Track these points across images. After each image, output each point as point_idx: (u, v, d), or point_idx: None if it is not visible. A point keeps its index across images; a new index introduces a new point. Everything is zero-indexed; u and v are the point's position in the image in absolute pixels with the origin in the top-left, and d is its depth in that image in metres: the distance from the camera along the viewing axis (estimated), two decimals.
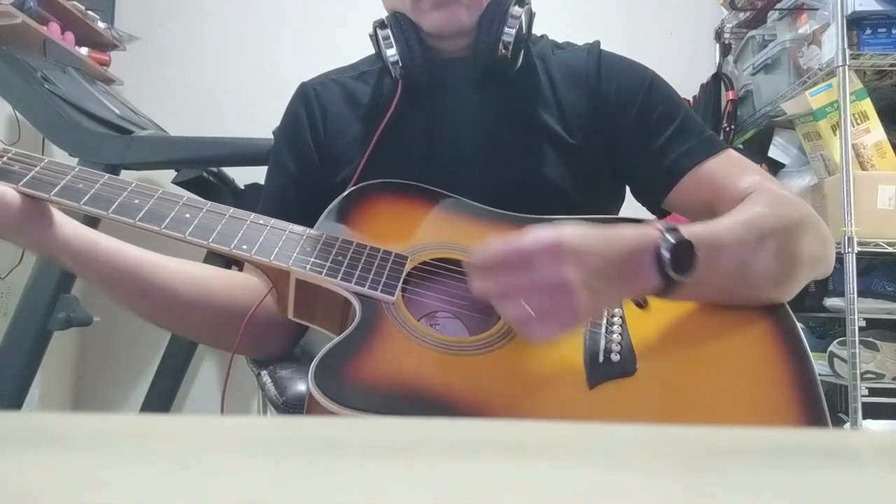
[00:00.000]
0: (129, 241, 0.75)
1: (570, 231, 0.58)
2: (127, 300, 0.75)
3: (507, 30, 0.81)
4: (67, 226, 0.70)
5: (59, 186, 0.66)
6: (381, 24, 0.86)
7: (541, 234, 0.56)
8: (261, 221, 0.71)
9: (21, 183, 0.65)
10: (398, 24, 0.84)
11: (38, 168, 0.67)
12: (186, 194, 0.71)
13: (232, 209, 0.71)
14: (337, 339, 0.64)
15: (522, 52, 0.84)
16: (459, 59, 0.86)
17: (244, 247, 0.68)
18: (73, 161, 1.51)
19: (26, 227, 0.67)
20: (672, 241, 0.61)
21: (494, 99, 0.86)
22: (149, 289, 0.73)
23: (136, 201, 0.67)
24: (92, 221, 0.74)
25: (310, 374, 0.59)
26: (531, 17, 0.85)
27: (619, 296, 0.63)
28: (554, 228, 0.57)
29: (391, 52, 0.83)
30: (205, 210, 0.69)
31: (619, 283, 0.60)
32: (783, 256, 0.70)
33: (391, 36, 0.84)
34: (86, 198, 0.66)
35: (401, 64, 0.83)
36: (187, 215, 0.68)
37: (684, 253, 0.61)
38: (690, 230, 0.63)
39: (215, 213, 0.70)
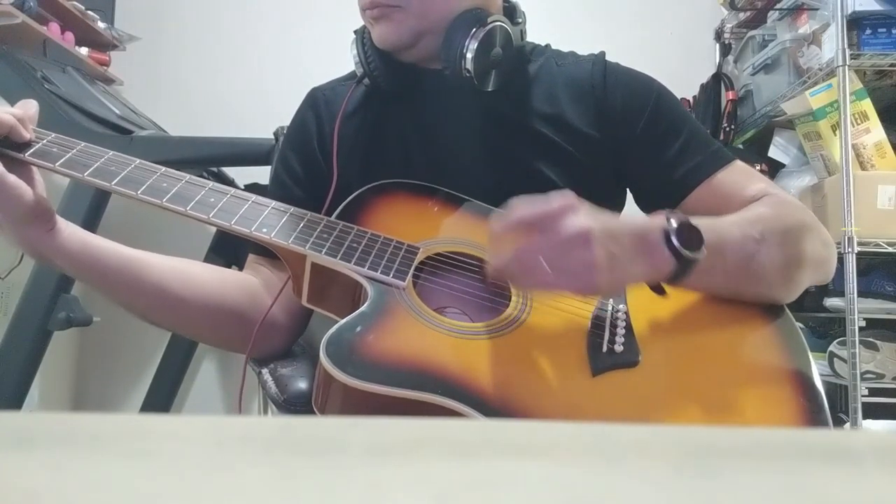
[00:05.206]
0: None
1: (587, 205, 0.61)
2: (120, 298, 0.77)
3: (467, 55, 0.81)
4: (64, 227, 0.72)
5: (92, 168, 0.70)
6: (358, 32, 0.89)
7: (560, 198, 0.59)
8: (281, 208, 0.75)
9: (58, 163, 0.69)
10: (363, 31, 0.88)
11: (74, 151, 0.71)
12: (212, 182, 0.75)
13: (255, 196, 0.75)
14: (349, 316, 0.65)
15: (495, 71, 0.84)
16: (434, 72, 0.86)
17: (264, 230, 0.72)
18: None
19: (32, 224, 0.69)
20: (676, 222, 0.64)
21: (482, 111, 0.87)
22: (140, 286, 0.76)
23: (165, 184, 0.71)
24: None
25: (321, 347, 0.61)
26: (507, 35, 0.84)
27: (636, 271, 0.64)
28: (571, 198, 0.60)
29: (355, 60, 0.87)
30: (229, 195, 0.73)
31: (635, 257, 0.62)
32: (787, 253, 0.72)
33: (355, 43, 0.88)
34: (117, 179, 0.70)
35: (361, 70, 0.87)
36: (212, 199, 0.72)
37: (690, 232, 0.64)
38: (694, 218, 0.66)
39: (239, 198, 0.74)
